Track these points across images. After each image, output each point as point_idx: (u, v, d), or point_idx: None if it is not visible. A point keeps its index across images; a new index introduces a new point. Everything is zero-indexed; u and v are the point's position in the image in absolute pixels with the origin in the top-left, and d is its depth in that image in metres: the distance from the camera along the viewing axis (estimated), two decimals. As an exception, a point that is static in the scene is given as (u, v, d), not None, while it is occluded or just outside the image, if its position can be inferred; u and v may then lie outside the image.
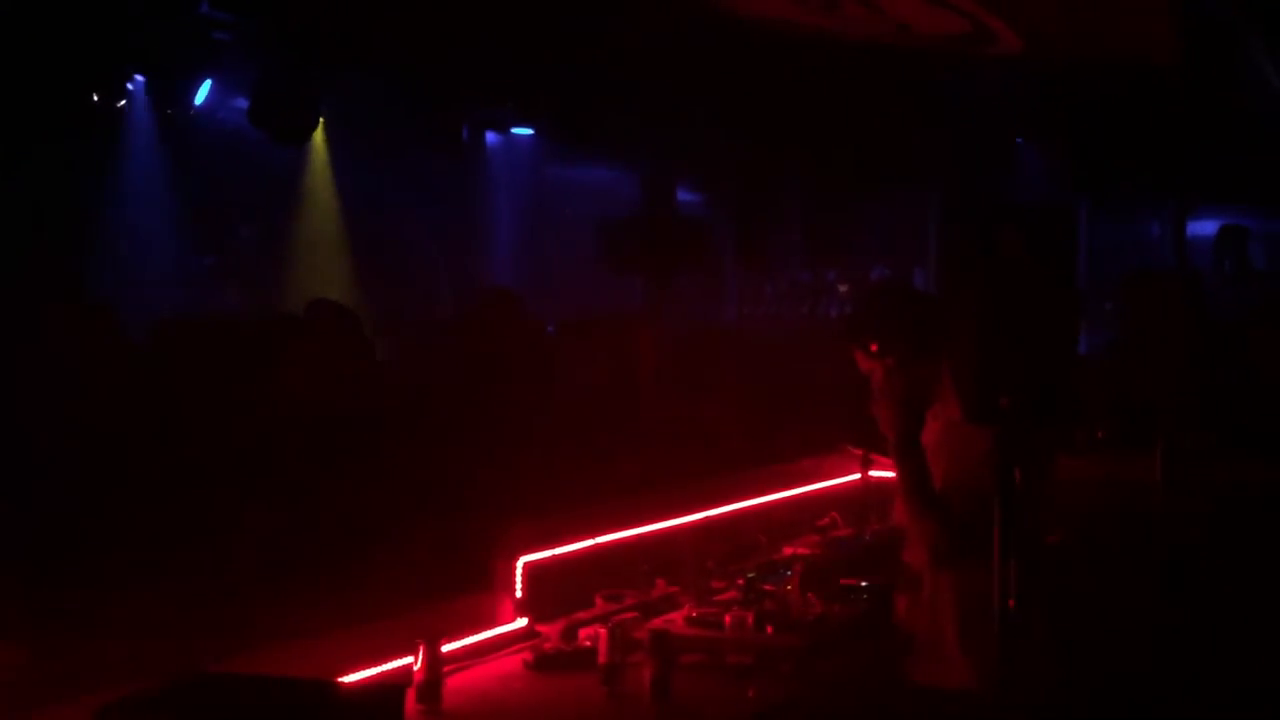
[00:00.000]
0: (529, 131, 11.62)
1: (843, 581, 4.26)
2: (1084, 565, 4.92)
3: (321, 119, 8.75)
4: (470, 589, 3.96)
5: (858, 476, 5.32)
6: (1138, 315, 7.36)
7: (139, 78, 8.28)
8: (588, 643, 3.77)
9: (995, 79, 9.91)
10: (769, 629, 3.87)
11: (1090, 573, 4.94)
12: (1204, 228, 11.37)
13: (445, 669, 3.43)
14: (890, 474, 4.98)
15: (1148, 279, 8.08)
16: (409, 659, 3.36)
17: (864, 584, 4.25)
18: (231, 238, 9.57)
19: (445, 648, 3.47)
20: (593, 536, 4.25)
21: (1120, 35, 7.60)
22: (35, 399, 4.22)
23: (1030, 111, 10.99)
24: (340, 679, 3.22)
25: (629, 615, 4.00)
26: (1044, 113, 10.78)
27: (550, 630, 3.90)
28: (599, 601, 4.17)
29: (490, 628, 3.87)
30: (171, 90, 8.51)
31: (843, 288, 13.73)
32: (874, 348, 3.65)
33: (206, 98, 8.60)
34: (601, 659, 3.58)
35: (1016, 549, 3.03)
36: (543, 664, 3.72)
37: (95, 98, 7.92)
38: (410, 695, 3.24)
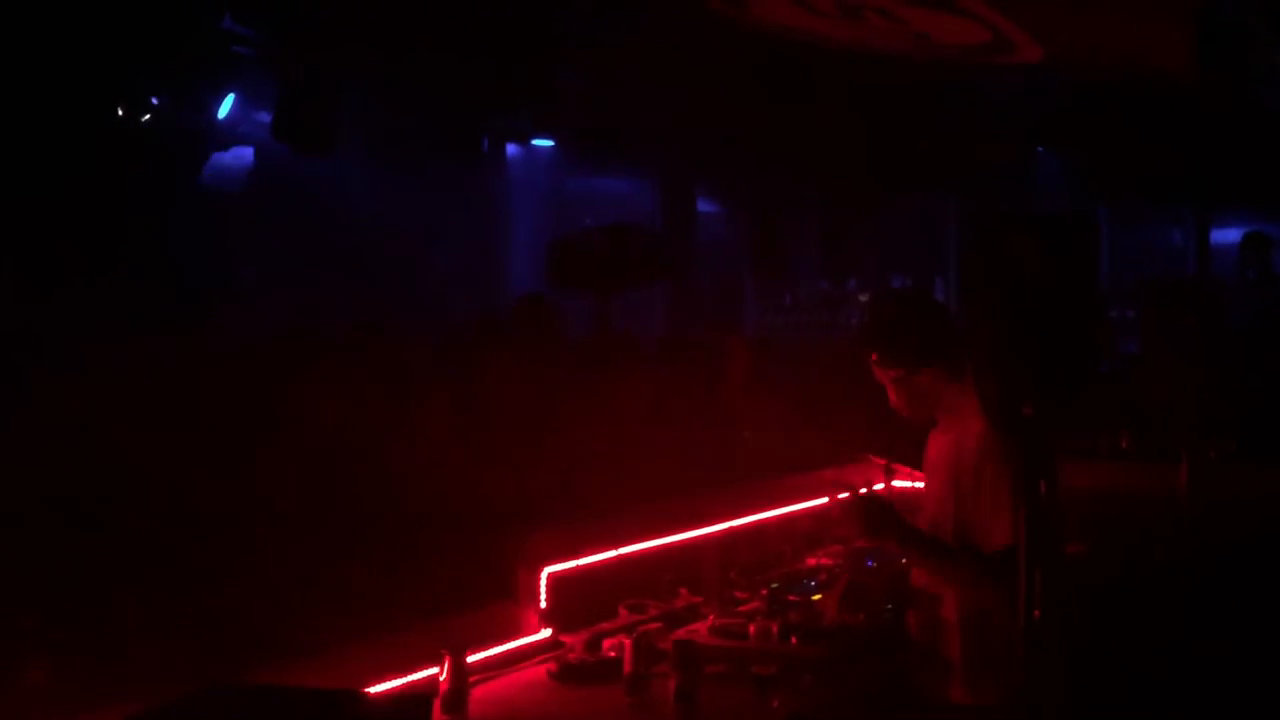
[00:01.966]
0: (549, 143, 11.65)
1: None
2: (1107, 576, 4.91)
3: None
4: (495, 600, 3.97)
5: (881, 486, 5.31)
6: (1157, 323, 7.35)
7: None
8: (612, 653, 3.78)
9: (1015, 87, 9.90)
10: (793, 639, 3.87)
11: (1113, 583, 4.92)
12: (1228, 235, 11.31)
13: (470, 679, 3.43)
14: (914, 484, 5.02)
15: (1167, 287, 8.04)
16: (434, 669, 3.37)
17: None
18: (268, 252, 9.57)
19: (470, 658, 3.47)
20: (616, 547, 4.26)
21: (1139, 44, 7.58)
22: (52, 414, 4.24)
23: (1050, 119, 10.97)
24: (366, 689, 3.23)
25: (653, 626, 4.00)
26: (1064, 120, 10.76)
27: (574, 640, 3.90)
28: (623, 612, 4.17)
29: (515, 638, 3.88)
30: (195, 104, 8.57)
31: (863, 297, 13.70)
32: (874, 358, 3.65)
33: (229, 111, 8.65)
34: (626, 669, 3.59)
35: (1040, 560, 3.03)
36: (567, 674, 3.73)
37: (120, 111, 7.96)
38: (436, 705, 3.25)
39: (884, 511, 3.65)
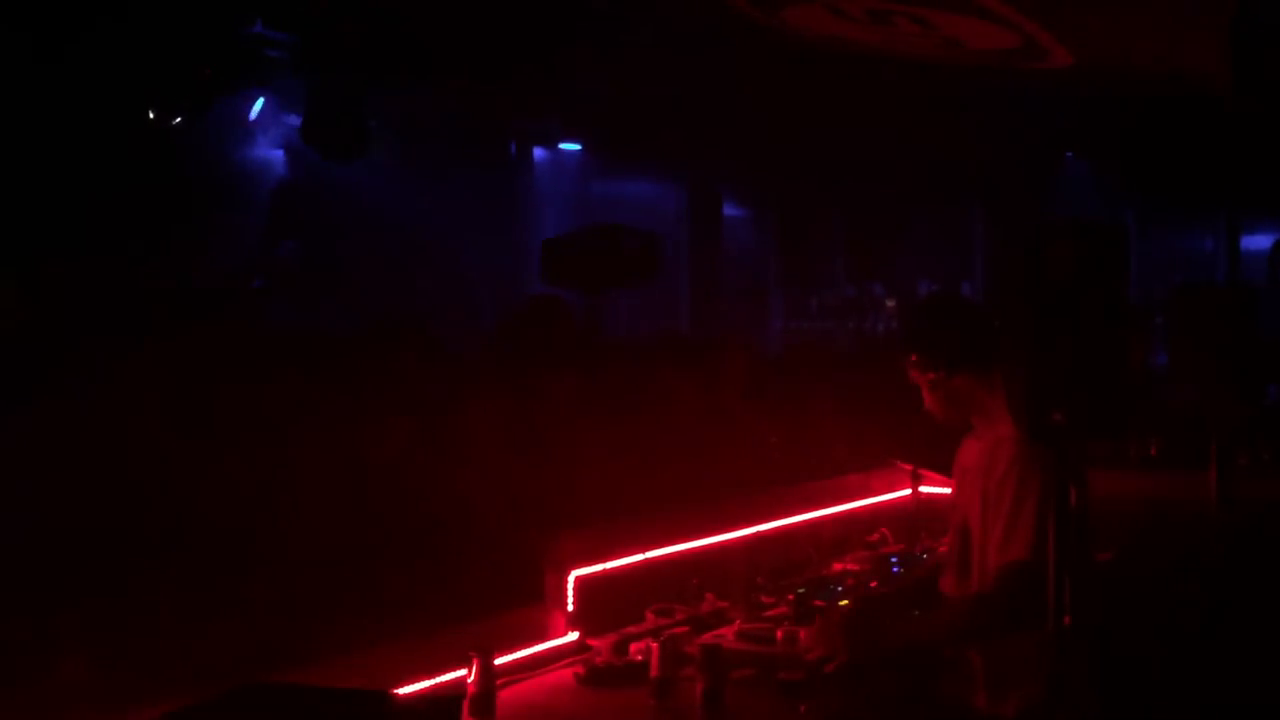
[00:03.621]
0: (576, 147, 11.67)
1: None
2: (1136, 584, 4.88)
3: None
4: (522, 603, 3.98)
5: (908, 492, 5.31)
6: (1187, 330, 7.30)
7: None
8: (639, 657, 3.78)
9: (1045, 93, 9.87)
10: (821, 645, 3.86)
11: (1142, 591, 4.89)
12: (1259, 241, 11.25)
13: (498, 681, 3.44)
14: (941, 490, 5.01)
15: (1197, 293, 7.98)
16: (463, 671, 3.38)
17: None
18: (274, 255, 9.62)
19: (498, 660, 3.48)
20: (643, 551, 4.26)
21: (1171, 51, 7.55)
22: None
23: (1080, 125, 10.92)
24: (395, 690, 3.24)
25: (680, 630, 4.00)
26: (1093, 126, 10.72)
27: (601, 644, 3.91)
28: (649, 616, 4.17)
29: (542, 641, 3.89)
30: (224, 107, 8.61)
31: (890, 303, 13.68)
32: (913, 358, 3.68)
33: (259, 114, 8.71)
34: (653, 673, 3.59)
35: (1070, 567, 3.03)
36: (594, 678, 3.73)
37: (150, 115, 8.02)
38: (464, 707, 3.26)
39: (867, 630, 3.61)
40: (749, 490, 5.05)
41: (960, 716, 3.61)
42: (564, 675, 3.78)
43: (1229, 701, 4.86)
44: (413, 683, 3.38)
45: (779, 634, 3.93)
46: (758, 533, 4.73)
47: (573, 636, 3.98)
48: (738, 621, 4.17)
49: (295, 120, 8.53)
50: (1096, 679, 3.48)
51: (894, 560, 4.93)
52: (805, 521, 5.05)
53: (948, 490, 5.19)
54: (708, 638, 3.92)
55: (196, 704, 2.74)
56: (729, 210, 13.43)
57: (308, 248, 9.71)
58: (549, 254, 8.58)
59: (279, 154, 9.08)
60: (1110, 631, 3.60)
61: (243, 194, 9.04)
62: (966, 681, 3.60)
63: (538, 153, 11.64)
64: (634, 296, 10.32)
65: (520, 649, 3.78)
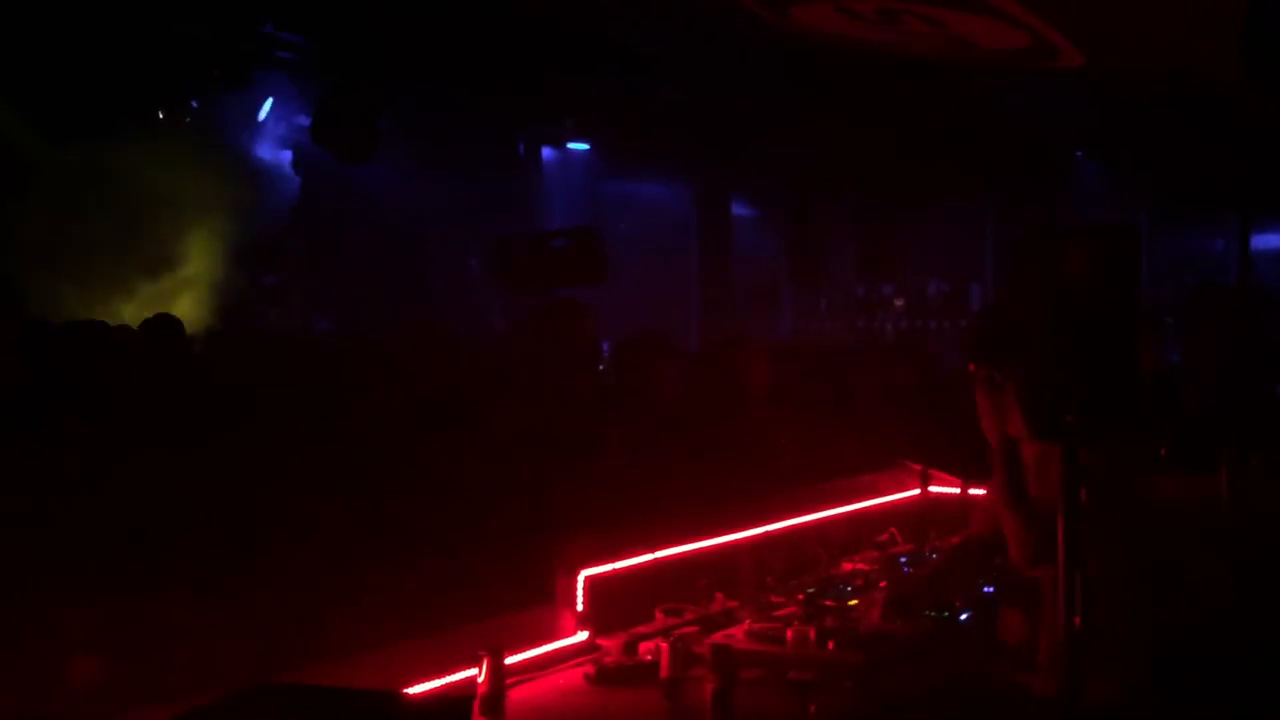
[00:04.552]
0: (584, 146, 11.68)
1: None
2: (1149, 585, 4.87)
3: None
4: (533, 602, 3.99)
5: (917, 492, 5.31)
6: (1199, 331, 7.28)
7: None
8: (648, 657, 3.78)
9: (1055, 93, 9.85)
10: (830, 645, 3.86)
11: (1155, 592, 4.88)
12: (1270, 241, 11.23)
13: (508, 681, 3.45)
14: (949, 490, 5.01)
15: (1209, 294, 7.96)
16: (473, 671, 3.38)
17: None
18: (281, 255, 9.64)
19: (508, 660, 3.49)
20: (653, 551, 4.26)
21: (1183, 52, 7.53)
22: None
23: (1090, 125, 10.91)
24: (406, 690, 3.25)
25: (689, 629, 4.00)
26: (1105, 126, 10.70)
27: (611, 644, 3.91)
28: (659, 616, 4.18)
29: (552, 641, 3.90)
30: (234, 107, 8.65)
31: (899, 302, 13.68)
32: (971, 368, 3.74)
33: (268, 115, 8.73)
34: (663, 673, 3.59)
35: (1084, 564, 3.04)
36: (604, 677, 3.73)
37: (160, 115, 8.06)
38: (474, 707, 3.26)
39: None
40: (758, 490, 5.04)
41: (1013, 698, 3.62)
42: (574, 675, 3.78)
43: (1244, 708, 4.84)
44: (423, 682, 3.38)
45: (789, 634, 3.92)
46: (767, 532, 4.72)
47: (583, 636, 3.98)
48: (747, 621, 4.17)
49: (305, 120, 8.56)
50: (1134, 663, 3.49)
51: (903, 560, 4.92)
52: (814, 521, 5.04)
53: (956, 490, 5.20)
54: (717, 637, 3.92)
55: (207, 704, 2.74)
56: (738, 210, 13.43)
57: (315, 246, 9.73)
58: (496, 256, 8.61)
59: (287, 154, 9.11)
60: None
61: (253, 193, 9.06)
62: (1027, 661, 3.62)
63: (546, 152, 11.65)
64: (642, 300, 10.32)
65: (530, 649, 3.78)
